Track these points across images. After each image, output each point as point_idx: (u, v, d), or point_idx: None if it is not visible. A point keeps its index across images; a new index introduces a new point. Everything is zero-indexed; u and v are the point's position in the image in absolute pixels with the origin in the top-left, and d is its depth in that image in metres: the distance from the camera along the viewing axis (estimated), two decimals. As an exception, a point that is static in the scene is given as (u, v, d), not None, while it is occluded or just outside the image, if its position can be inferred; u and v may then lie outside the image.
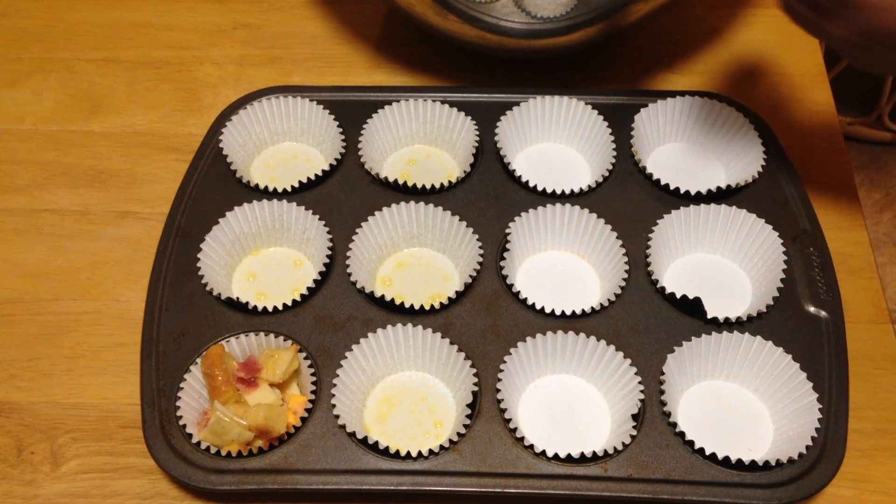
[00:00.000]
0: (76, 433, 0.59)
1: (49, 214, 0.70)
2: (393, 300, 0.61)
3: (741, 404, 0.59)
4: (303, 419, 0.56)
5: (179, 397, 0.57)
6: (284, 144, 0.73)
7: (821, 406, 0.56)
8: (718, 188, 0.67)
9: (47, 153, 0.73)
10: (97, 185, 0.71)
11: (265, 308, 0.61)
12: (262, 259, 0.66)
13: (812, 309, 0.62)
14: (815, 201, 0.68)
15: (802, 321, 0.61)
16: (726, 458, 0.54)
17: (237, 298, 0.61)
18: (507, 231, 0.64)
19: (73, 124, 0.76)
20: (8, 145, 0.74)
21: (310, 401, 0.57)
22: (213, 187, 0.68)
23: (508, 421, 0.56)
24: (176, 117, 0.76)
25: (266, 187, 0.68)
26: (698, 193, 0.67)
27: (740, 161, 0.70)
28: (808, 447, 0.54)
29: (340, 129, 0.71)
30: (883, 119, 1.51)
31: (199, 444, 0.55)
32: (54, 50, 0.81)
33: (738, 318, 0.60)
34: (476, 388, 0.57)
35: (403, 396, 0.60)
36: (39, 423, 0.59)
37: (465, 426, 0.56)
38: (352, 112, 0.72)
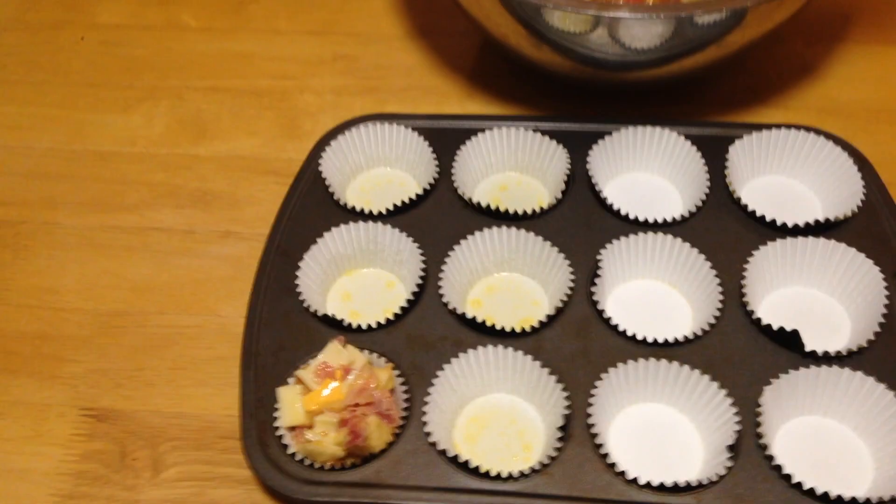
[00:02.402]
0: (176, 441, 0.61)
1: (156, 232, 0.73)
2: (484, 322, 0.62)
3: (840, 441, 0.58)
4: (395, 435, 0.57)
5: (277, 408, 0.58)
6: (379, 169, 0.75)
7: (926, 445, 0.54)
8: (816, 221, 0.66)
9: (156, 174, 0.77)
10: (202, 205, 0.75)
11: (360, 326, 0.63)
12: (355, 279, 0.68)
13: (915, 346, 0.60)
14: (916, 238, 0.66)
15: (905, 358, 0.59)
16: (825, 494, 0.53)
17: (333, 315, 0.63)
18: (598, 258, 0.65)
19: (181, 148, 0.79)
20: (120, 166, 0.78)
21: (402, 418, 0.58)
22: (310, 209, 0.71)
23: (599, 446, 0.56)
24: (277, 143, 0.79)
25: (361, 210, 0.70)
26: (795, 226, 0.66)
27: (838, 195, 0.68)
28: (912, 487, 0.52)
29: (434, 155, 0.72)
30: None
31: (293, 455, 0.57)
32: (164, 78, 0.85)
33: (838, 353, 0.59)
34: (568, 412, 0.57)
35: (493, 418, 0.60)
36: (142, 430, 0.62)
37: (556, 449, 0.56)
38: (445, 139, 0.73)
